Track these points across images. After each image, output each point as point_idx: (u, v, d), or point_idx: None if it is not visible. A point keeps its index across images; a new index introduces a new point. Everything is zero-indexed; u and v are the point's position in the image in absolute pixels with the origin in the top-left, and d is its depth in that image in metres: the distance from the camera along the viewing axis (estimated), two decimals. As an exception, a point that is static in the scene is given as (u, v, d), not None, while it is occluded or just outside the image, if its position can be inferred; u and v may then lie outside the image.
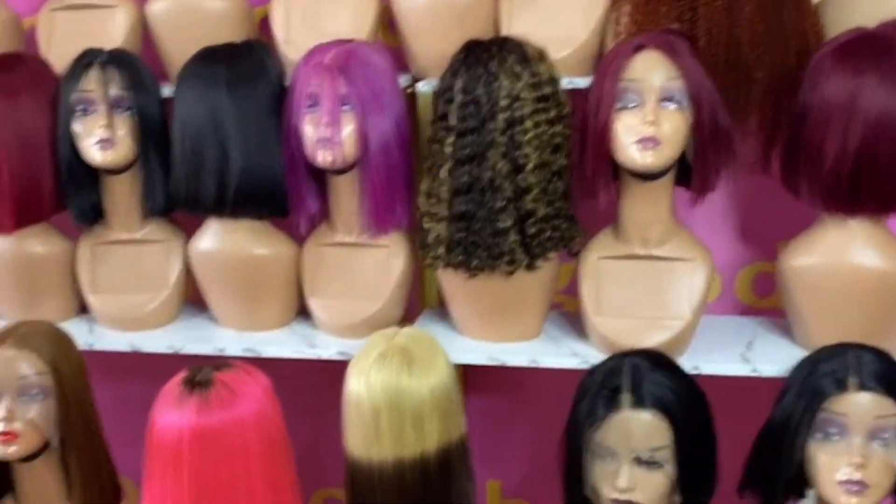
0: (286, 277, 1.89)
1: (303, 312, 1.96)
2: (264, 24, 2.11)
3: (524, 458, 2.18)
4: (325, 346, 1.84)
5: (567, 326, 1.85)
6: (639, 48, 1.57)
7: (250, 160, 1.77)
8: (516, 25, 1.87)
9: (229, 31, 1.99)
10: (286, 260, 1.88)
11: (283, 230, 1.90)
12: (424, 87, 1.87)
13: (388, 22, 2.01)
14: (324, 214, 1.87)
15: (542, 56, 1.66)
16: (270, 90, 1.81)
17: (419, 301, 2.02)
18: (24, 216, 1.87)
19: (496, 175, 1.62)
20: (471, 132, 1.64)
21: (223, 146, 1.75)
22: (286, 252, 1.88)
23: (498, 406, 2.16)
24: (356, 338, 1.81)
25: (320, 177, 1.82)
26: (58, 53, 2.00)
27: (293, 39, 1.94)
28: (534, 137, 1.62)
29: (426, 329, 1.83)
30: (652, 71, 1.55)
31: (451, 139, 1.65)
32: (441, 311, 1.94)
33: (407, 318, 1.90)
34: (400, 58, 1.95)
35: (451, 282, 1.76)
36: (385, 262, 1.82)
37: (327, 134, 1.69)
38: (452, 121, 1.64)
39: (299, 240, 1.90)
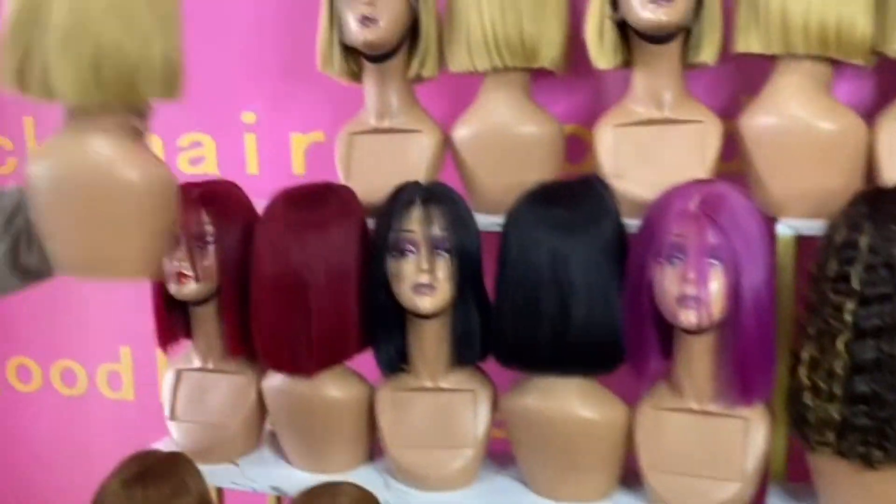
0: (613, 442, 1.60)
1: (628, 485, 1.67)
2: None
3: None
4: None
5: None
6: None
7: (592, 313, 1.50)
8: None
9: (540, 157, 1.79)
10: (619, 426, 1.59)
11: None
12: (786, 231, 1.59)
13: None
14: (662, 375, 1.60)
15: (962, 212, 1.35)
16: (613, 232, 1.55)
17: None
18: (326, 358, 1.68)
19: (914, 353, 1.31)
20: (880, 300, 1.33)
21: (563, 296, 1.51)
22: (619, 418, 1.59)
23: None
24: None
25: (666, 333, 1.55)
26: (358, 179, 1.85)
27: (625, 173, 1.71)
28: (961, 310, 1.31)
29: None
30: None
31: (851, 305, 1.35)
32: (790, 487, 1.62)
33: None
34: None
35: (829, 470, 1.43)
36: (742, 436, 1.51)
37: (693, 292, 1.41)
38: (856, 284, 1.34)
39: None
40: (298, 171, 2.19)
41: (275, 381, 1.76)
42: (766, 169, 1.65)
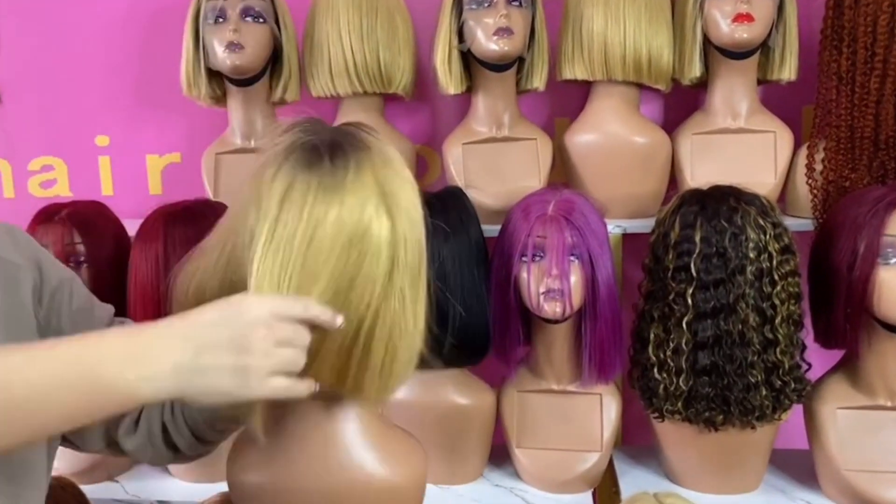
0: (485, 424, 1.47)
1: (495, 462, 1.54)
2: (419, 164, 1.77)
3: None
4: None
5: (784, 476, 1.47)
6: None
7: (468, 311, 1.36)
8: (699, 170, 1.57)
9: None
10: (489, 410, 1.46)
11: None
12: (615, 230, 1.53)
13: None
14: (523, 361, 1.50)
15: (773, 206, 1.34)
16: (477, 237, 1.42)
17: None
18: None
19: (746, 328, 1.27)
20: (716, 285, 1.28)
21: (441, 298, 1.35)
22: (489, 402, 1.46)
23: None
24: (565, 492, 1.43)
25: (527, 324, 1.45)
26: (226, 197, 1.61)
27: (473, 184, 1.59)
28: (781, 290, 1.28)
29: (629, 477, 1.47)
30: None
31: (690, 290, 1.31)
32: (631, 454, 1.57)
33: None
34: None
35: (674, 434, 1.39)
36: (597, 411, 1.43)
37: (556, 285, 1.32)
38: (694, 272, 1.29)
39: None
40: (155, 191, 1.91)
41: None
42: (591, 178, 1.60)
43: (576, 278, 1.33)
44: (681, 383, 1.31)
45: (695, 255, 1.29)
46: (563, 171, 1.68)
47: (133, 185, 1.90)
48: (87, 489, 1.37)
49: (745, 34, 1.45)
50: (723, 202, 1.30)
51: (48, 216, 1.45)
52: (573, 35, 1.56)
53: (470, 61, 1.59)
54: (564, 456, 1.43)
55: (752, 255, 1.27)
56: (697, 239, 1.30)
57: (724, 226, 1.28)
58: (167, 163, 1.89)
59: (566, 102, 1.75)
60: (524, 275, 1.34)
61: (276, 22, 1.59)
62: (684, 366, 1.30)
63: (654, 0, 1.53)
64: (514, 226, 1.37)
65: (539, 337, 1.43)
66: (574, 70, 1.57)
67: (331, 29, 1.56)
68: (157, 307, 1.37)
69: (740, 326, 1.27)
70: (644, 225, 1.51)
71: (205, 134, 1.75)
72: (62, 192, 1.93)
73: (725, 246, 1.28)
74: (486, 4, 1.51)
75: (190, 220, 1.39)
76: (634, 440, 1.63)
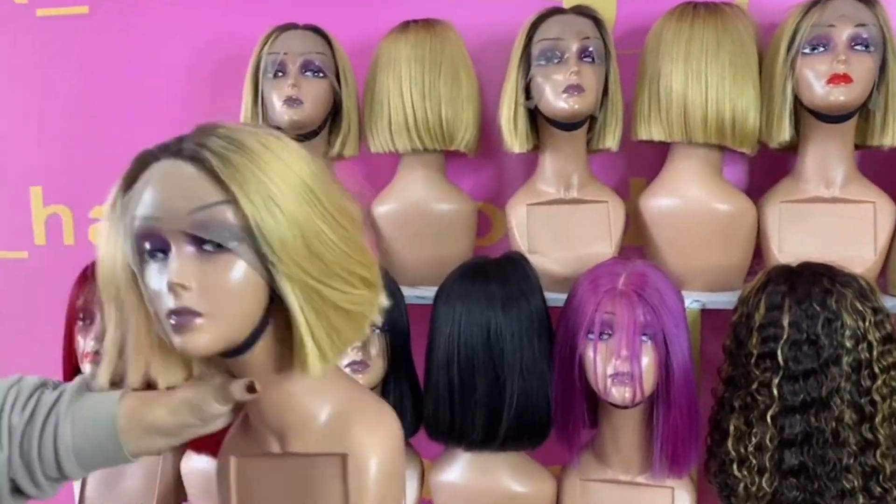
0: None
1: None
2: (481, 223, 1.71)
3: None
4: None
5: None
6: None
7: (527, 388, 1.28)
8: (787, 242, 1.46)
9: (456, 232, 1.58)
10: (548, 499, 1.37)
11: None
12: (694, 305, 1.42)
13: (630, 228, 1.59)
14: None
15: (872, 288, 1.22)
16: (540, 307, 1.34)
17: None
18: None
19: (841, 426, 1.14)
20: (806, 376, 1.17)
21: (498, 372, 1.28)
22: (548, 490, 1.37)
23: None
24: None
25: (593, 405, 1.35)
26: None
27: (538, 249, 1.52)
28: (882, 384, 1.16)
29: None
30: None
31: (776, 380, 1.19)
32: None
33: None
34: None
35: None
36: (668, 506, 1.33)
37: (625, 368, 1.22)
38: (781, 361, 1.18)
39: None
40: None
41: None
42: (667, 246, 1.50)
43: (648, 360, 1.23)
44: (763, 484, 1.19)
45: (782, 342, 1.18)
46: (638, 236, 1.59)
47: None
48: None
49: (841, 97, 1.34)
50: (815, 283, 1.19)
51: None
52: (650, 93, 1.48)
53: (538, 118, 1.53)
54: (630, 555, 1.32)
55: (848, 344, 1.15)
56: (785, 323, 1.18)
57: (817, 310, 1.17)
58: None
59: (643, 162, 1.65)
60: (590, 354, 1.25)
61: (337, 76, 1.56)
62: (768, 464, 1.18)
63: (740, 57, 1.43)
64: (580, 299, 1.28)
65: (606, 420, 1.33)
66: (651, 131, 1.49)
67: (392, 84, 1.52)
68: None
69: (834, 424, 1.15)
70: (726, 300, 1.41)
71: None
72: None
73: (818, 333, 1.16)
74: (556, 60, 1.45)
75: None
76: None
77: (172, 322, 0.80)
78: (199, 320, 0.79)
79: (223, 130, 0.84)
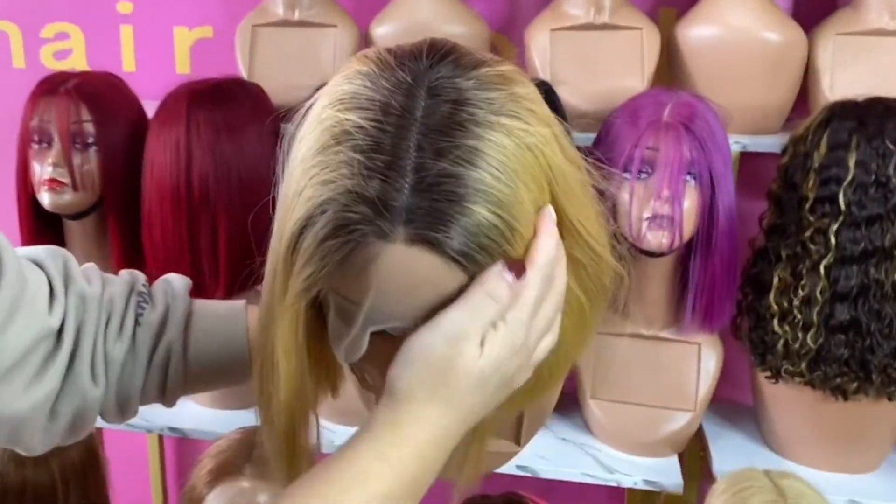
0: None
1: (562, 412, 1.34)
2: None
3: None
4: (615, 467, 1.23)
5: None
6: None
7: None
8: (840, 80, 1.30)
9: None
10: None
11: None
12: (734, 147, 1.28)
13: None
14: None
15: (948, 128, 1.08)
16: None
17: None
18: (233, 286, 1.23)
19: (903, 281, 1.05)
20: (870, 222, 1.04)
21: None
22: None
23: None
24: (646, 455, 1.24)
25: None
26: (263, 77, 1.39)
27: (563, 80, 1.35)
28: (955, 235, 1.05)
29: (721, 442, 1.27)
30: None
31: (835, 227, 1.07)
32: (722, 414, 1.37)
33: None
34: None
35: (787, 398, 1.17)
36: (693, 363, 1.22)
37: (665, 210, 1.08)
38: (843, 205, 1.06)
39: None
40: (183, 69, 1.68)
41: None
42: (706, 81, 1.33)
43: (690, 203, 1.09)
44: (808, 340, 1.08)
45: (845, 184, 1.05)
46: (667, 74, 1.42)
47: (157, 61, 1.68)
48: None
49: None
50: (889, 118, 1.05)
51: (53, 86, 1.24)
52: None
53: (565, -73, 1.33)
54: (649, 413, 1.23)
55: (923, 189, 1.03)
56: (851, 163, 1.05)
57: (891, 148, 1.03)
58: (197, 37, 1.67)
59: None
60: (625, 195, 1.11)
61: None
62: (816, 319, 1.08)
63: None
64: (617, 132, 1.13)
65: (630, 269, 1.21)
66: None
67: None
68: (176, 204, 1.18)
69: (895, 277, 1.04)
70: (768, 143, 1.26)
71: (242, 4, 1.52)
72: (78, 64, 1.71)
73: (889, 174, 1.03)
74: None
75: (218, 101, 1.18)
76: (725, 398, 1.42)
77: None
78: None
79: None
